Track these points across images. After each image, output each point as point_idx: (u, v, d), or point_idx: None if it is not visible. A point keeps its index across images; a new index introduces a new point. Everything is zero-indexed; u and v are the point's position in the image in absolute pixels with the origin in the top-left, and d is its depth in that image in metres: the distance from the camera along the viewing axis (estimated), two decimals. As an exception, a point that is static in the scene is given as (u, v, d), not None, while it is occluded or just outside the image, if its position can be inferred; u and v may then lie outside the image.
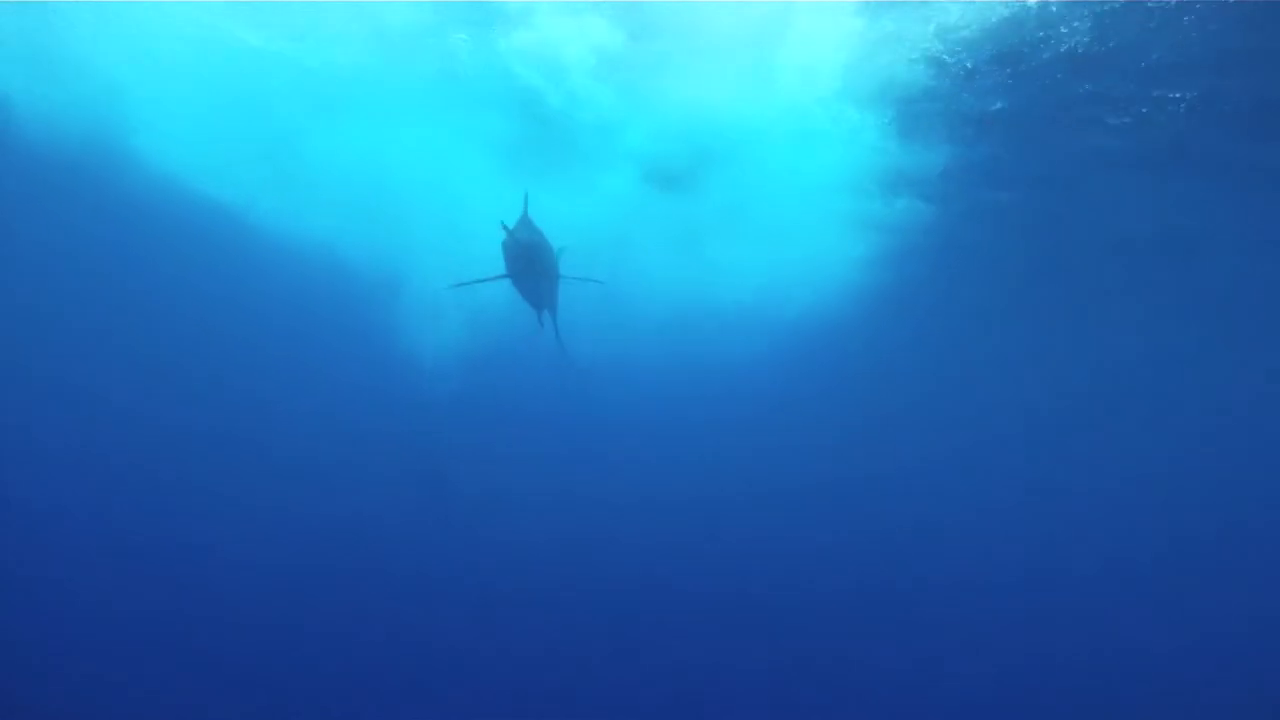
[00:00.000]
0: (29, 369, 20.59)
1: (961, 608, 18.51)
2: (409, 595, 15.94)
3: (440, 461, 18.47)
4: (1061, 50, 7.25)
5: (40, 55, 12.73)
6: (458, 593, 16.42)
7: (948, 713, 14.83)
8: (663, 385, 28.67)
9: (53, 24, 11.77)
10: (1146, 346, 18.40)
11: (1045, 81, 8.08)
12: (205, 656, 13.19)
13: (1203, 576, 21.09)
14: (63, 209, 19.02)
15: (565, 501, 20.83)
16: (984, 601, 18.86)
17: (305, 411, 23.69)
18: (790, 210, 15.78)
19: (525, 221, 7.98)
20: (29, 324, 21.65)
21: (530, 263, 7.94)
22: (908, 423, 26.56)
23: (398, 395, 23.99)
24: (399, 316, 22.93)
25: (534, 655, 14.76)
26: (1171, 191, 11.07)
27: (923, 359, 23.85)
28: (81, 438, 19.43)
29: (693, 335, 25.92)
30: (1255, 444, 22.16)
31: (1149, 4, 6.23)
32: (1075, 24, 6.71)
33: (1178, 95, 7.56)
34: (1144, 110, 8.08)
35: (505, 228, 7.14)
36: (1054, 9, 6.62)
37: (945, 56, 8.16)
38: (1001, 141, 10.67)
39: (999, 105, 9.50)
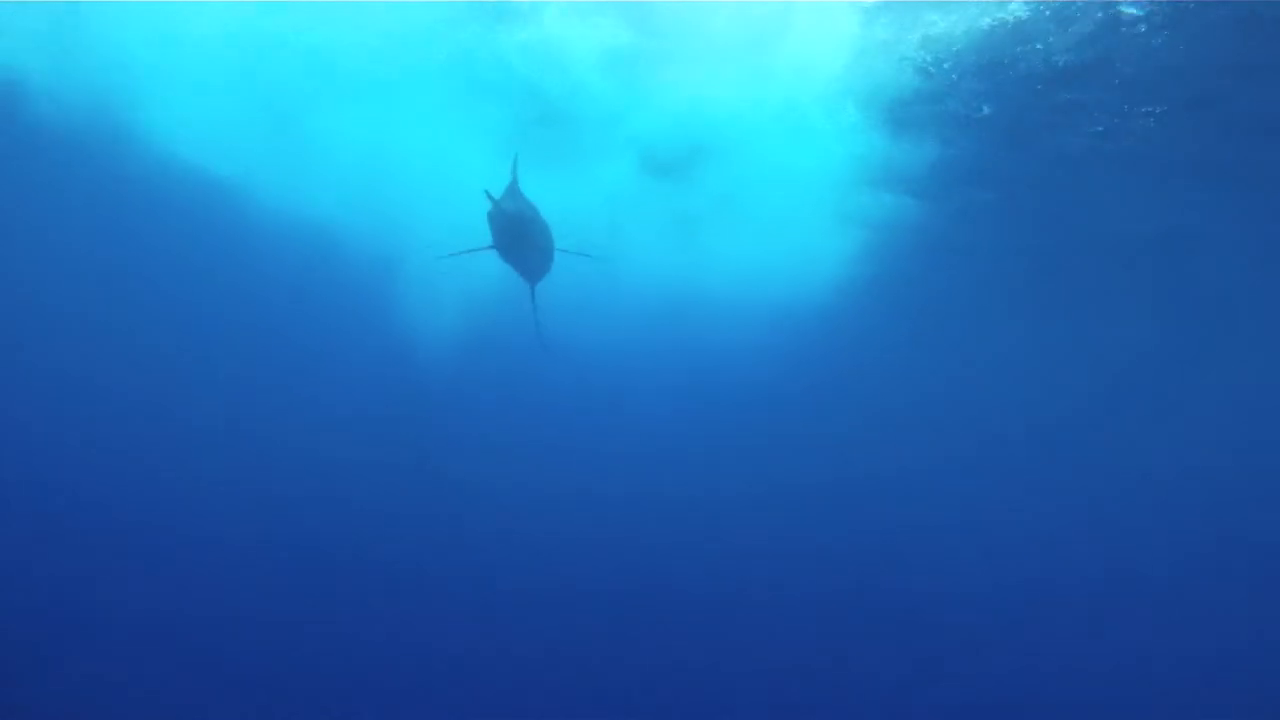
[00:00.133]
0: (23, 354, 20.40)
1: (949, 602, 18.35)
2: (404, 589, 15.85)
3: (430, 450, 18.52)
4: (1039, 63, 7.73)
5: (52, 32, 12.84)
6: (450, 586, 16.27)
7: (948, 713, 14.61)
8: (651, 371, 28.73)
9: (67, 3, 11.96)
10: (1135, 344, 18.79)
11: (1025, 90, 8.55)
12: (201, 654, 13.07)
13: (1203, 578, 20.76)
14: (70, 186, 18.92)
15: (555, 490, 20.77)
16: (969, 595, 18.71)
17: (301, 396, 23.50)
18: (781, 203, 16.14)
19: (513, 191, 7.34)
20: (30, 308, 21.54)
21: (517, 236, 7.31)
22: (893, 416, 26.77)
23: (392, 381, 24.06)
24: (395, 299, 23.04)
25: (520, 647, 14.66)
26: (1158, 192, 11.41)
27: (907, 353, 24.30)
28: (74, 418, 19.26)
29: (682, 322, 26.03)
30: (1239, 443, 22.46)
31: (1122, 27, 6.69)
32: (1051, 40, 7.19)
33: (1148, 110, 8.05)
34: (1116, 121, 8.56)
35: (490, 197, 6.51)
36: (1032, 26, 7.09)
37: (931, 66, 8.61)
38: (987, 143, 11.10)
39: (985, 110, 9.97)
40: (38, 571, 13.82)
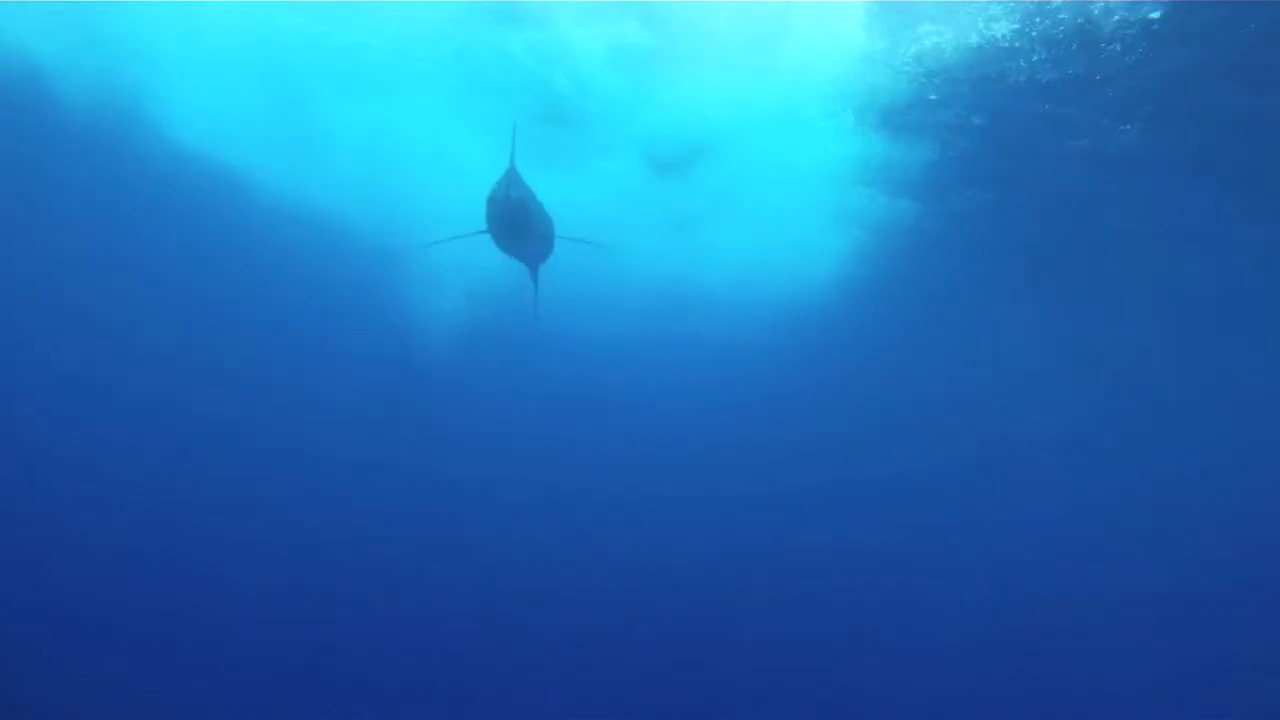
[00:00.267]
0: (26, 344, 20.20)
1: (948, 601, 18.31)
2: (404, 586, 15.76)
3: (432, 445, 18.43)
4: (1023, 78, 8.13)
5: (67, 23, 12.91)
6: (448, 583, 16.18)
7: (949, 714, 14.58)
8: (650, 367, 28.85)
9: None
10: (1133, 344, 18.93)
11: (1012, 102, 8.94)
12: (202, 653, 12.98)
13: (1203, 578, 20.61)
14: (82, 174, 18.92)
15: (553, 487, 20.61)
16: (968, 595, 18.65)
17: (304, 389, 23.36)
18: (780, 202, 16.40)
19: (512, 176, 6.86)
20: (38, 296, 21.37)
21: (518, 224, 6.92)
22: (891, 414, 26.89)
23: (394, 374, 24.09)
24: (399, 292, 23.09)
25: (520, 646, 14.63)
26: (1155, 193, 11.52)
27: (904, 352, 24.40)
28: (78, 410, 19.04)
29: (680, 318, 26.16)
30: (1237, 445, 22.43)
31: (1101, 47, 7.10)
32: (1035, 58, 7.60)
33: (1127, 128, 8.46)
34: (1095, 134, 8.96)
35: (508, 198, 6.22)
36: (1017, 44, 7.50)
37: (923, 78, 9.00)
38: (981, 147, 11.46)
39: (975, 120, 10.37)
40: (37, 571, 13.68)
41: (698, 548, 18.58)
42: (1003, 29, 7.33)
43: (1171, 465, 25.09)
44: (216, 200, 20.14)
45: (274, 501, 17.85)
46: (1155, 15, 6.57)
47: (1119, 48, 6.99)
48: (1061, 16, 6.96)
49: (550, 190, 8.69)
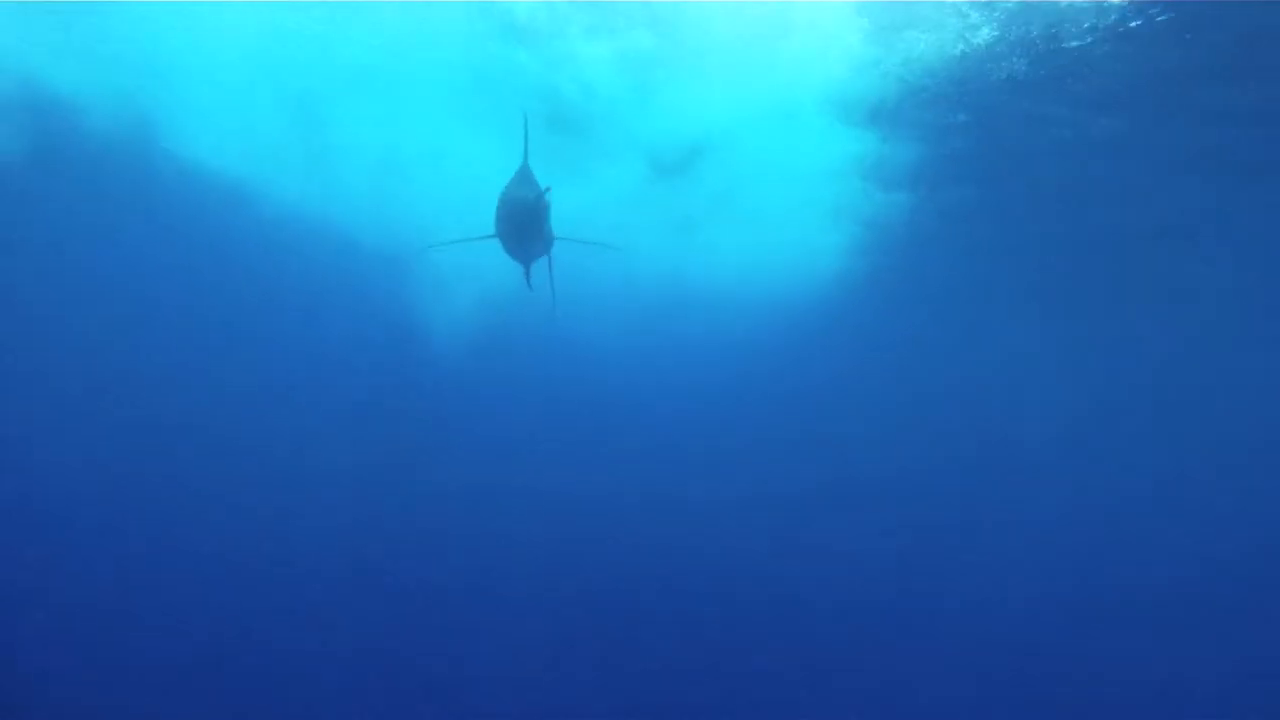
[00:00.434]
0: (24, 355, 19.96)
1: (947, 601, 18.31)
2: (404, 589, 15.81)
3: (440, 449, 18.52)
4: (1004, 78, 8.61)
5: (76, 34, 12.97)
6: (448, 585, 16.18)
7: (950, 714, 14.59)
8: (651, 366, 28.83)
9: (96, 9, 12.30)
10: (1134, 342, 19.09)
11: (994, 102, 9.41)
12: (204, 653, 13.05)
13: (1203, 578, 20.34)
14: (94, 187, 18.81)
15: (553, 487, 20.40)
16: (967, 594, 18.63)
17: (312, 396, 23.28)
18: (778, 200, 16.72)
19: (525, 175, 6.71)
20: (48, 308, 21.19)
21: (524, 226, 6.73)
22: (890, 411, 26.83)
23: (404, 380, 24.22)
24: (408, 297, 23.25)
25: (520, 646, 14.65)
26: (1152, 186, 11.84)
27: (903, 348, 24.55)
28: (85, 420, 18.95)
29: (682, 316, 26.29)
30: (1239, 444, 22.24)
31: (1072, 44, 7.58)
32: (1014, 61, 8.08)
33: (1105, 122, 8.93)
34: (1075, 126, 9.43)
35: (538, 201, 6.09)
36: (998, 49, 7.99)
37: (911, 80, 9.47)
38: (966, 144, 11.92)
39: (961, 118, 10.86)
40: (38, 569, 13.71)
41: (698, 547, 18.63)
42: (984, 36, 7.81)
43: (1172, 464, 25.06)
44: (228, 212, 20.31)
45: (288, 511, 17.90)
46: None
47: (1090, 41, 7.41)
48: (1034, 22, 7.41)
49: (558, 196, 8.46)
